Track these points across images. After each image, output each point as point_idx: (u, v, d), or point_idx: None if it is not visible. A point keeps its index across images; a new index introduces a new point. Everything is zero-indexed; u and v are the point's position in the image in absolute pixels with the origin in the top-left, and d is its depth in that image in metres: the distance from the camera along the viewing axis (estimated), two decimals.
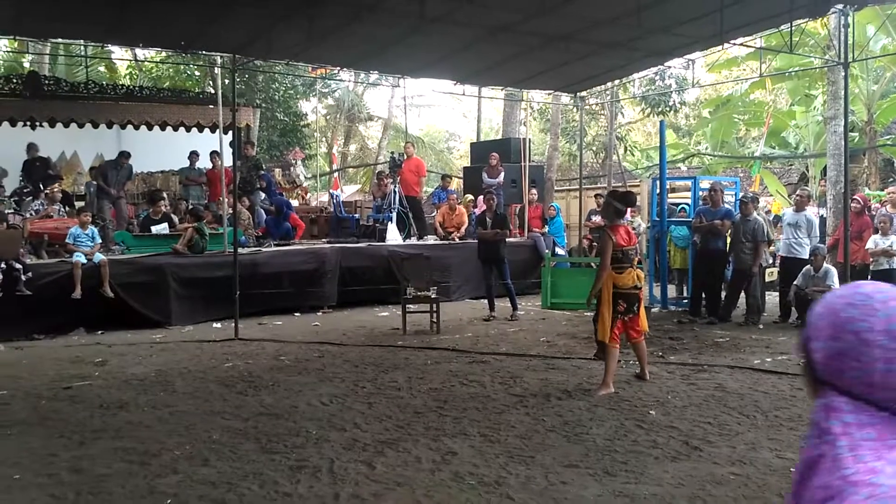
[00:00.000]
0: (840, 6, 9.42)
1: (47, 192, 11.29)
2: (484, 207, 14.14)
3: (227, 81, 12.63)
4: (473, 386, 6.61)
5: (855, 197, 11.16)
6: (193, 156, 14.74)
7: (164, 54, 13.17)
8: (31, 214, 10.97)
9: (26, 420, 5.59)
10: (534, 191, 15.22)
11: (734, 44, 10.90)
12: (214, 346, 8.68)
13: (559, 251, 14.17)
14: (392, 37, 9.82)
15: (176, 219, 11.87)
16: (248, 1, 8.32)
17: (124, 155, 13.10)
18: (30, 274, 9.32)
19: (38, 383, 6.81)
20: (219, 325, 10.15)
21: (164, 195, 12.68)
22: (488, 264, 10.98)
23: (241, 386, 6.67)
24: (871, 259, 10.51)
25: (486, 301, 11.14)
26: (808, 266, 9.82)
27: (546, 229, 14.46)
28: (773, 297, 11.46)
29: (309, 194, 19.07)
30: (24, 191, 11.80)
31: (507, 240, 11.14)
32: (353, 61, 11.62)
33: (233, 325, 9.47)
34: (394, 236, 13.27)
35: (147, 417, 5.58)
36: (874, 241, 10.49)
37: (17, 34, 10.29)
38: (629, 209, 10.41)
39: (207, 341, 8.94)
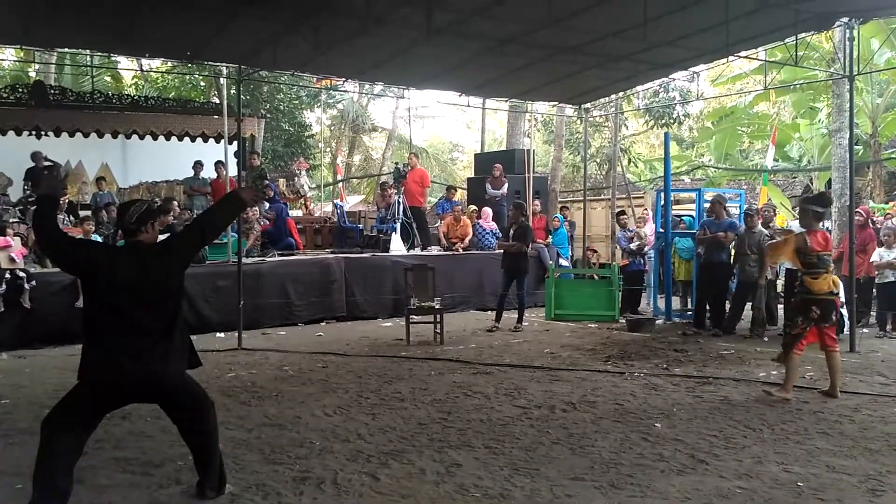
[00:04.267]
0: (845, 19, 9.43)
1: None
2: (490, 218, 14.27)
3: (232, 92, 12.65)
4: (478, 397, 6.58)
5: (858, 210, 11.16)
6: (197, 166, 14.76)
7: (169, 64, 13.22)
8: None
9: (28, 429, 5.55)
10: (537, 202, 15.23)
11: (739, 56, 10.91)
12: (218, 356, 8.67)
13: (563, 262, 14.14)
14: (398, 48, 9.84)
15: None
16: (254, 12, 8.33)
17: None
18: (34, 283, 9.33)
19: (41, 392, 6.79)
20: (222, 334, 10.12)
21: (176, 206, 12.62)
22: (510, 275, 10.98)
23: (245, 396, 6.65)
24: (877, 272, 10.49)
25: (489, 312, 11.10)
26: None
27: (549, 240, 14.45)
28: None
29: (313, 204, 19.08)
30: (30, 199, 11.80)
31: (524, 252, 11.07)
32: (359, 72, 11.63)
33: (236, 335, 9.46)
34: (398, 247, 13.26)
35: (149, 427, 5.55)
36: (879, 254, 10.47)
37: (23, 44, 10.32)
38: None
39: (211, 351, 8.89)
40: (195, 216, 4.43)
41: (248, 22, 8.65)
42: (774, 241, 7.01)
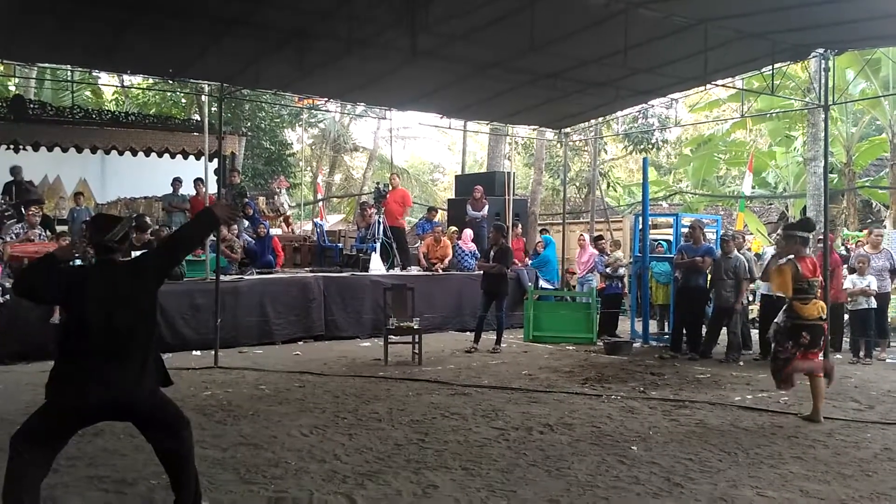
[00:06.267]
0: (821, 50, 9.62)
1: (29, 213, 11.17)
2: (470, 240, 14.30)
3: (213, 109, 12.64)
4: (455, 418, 6.58)
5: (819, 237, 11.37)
6: (176, 182, 14.72)
7: (151, 81, 13.20)
8: (11, 238, 10.85)
9: (0, 446, 5.48)
10: (520, 227, 15.33)
11: (717, 85, 11.08)
12: (193, 375, 8.59)
13: (545, 285, 14.03)
14: (381, 70, 9.90)
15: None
16: (237, 32, 8.37)
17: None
18: (8, 297, 9.22)
19: (13, 409, 6.69)
20: (198, 353, 10.04)
21: (149, 221, 12.55)
22: (489, 296, 11.01)
23: (220, 415, 6.60)
24: (850, 299, 10.64)
25: (468, 333, 11.11)
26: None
27: (528, 262, 14.48)
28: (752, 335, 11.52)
29: (292, 223, 19.03)
30: (6, 214, 11.68)
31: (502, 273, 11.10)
32: (342, 93, 11.68)
33: (213, 353, 9.39)
34: (377, 266, 13.25)
35: (123, 445, 5.49)
36: (852, 281, 10.62)
37: (4, 58, 10.26)
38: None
39: (186, 369, 8.84)
40: (170, 233, 4.29)
41: (231, 41, 8.68)
42: (772, 272, 6.94)
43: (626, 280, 12.76)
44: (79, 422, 3.82)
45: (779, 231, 11.48)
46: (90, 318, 3.68)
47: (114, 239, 3.87)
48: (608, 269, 12.46)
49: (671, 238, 12.69)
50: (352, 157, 35.84)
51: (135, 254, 11.21)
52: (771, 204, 24.17)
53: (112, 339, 3.68)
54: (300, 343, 11.37)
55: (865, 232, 13.96)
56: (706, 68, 9.05)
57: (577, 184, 25.55)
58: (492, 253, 11.11)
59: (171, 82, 11.56)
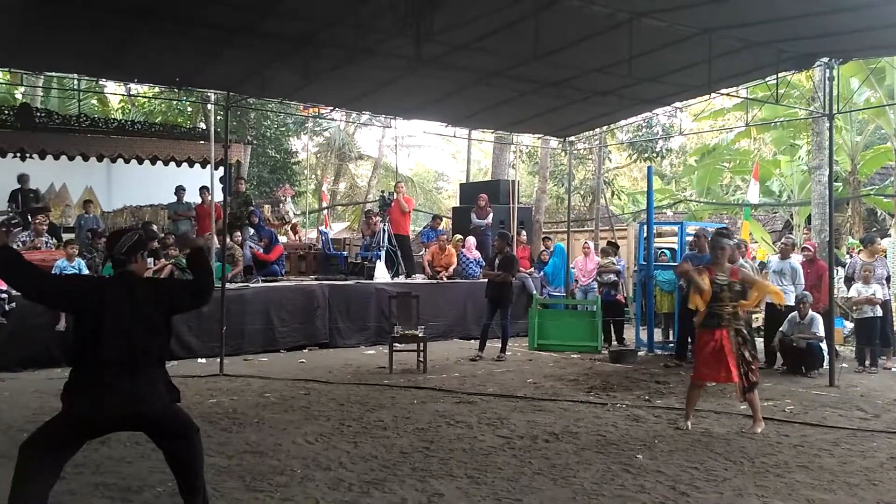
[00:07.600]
0: (825, 59, 9.63)
1: (36, 221, 11.24)
2: (474, 248, 14.31)
3: (219, 118, 12.70)
4: (460, 427, 6.58)
5: (805, 245, 11.30)
6: (180, 190, 14.78)
7: (157, 89, 13.25)
8: (18, 245, 10.91)
9: (7, 454, 5.49)
10: (522, 232, 15.33)
11: (721, 94, 11.08)
12: (199, 382, 8.61)
13: (553, 293, 13.99)
14: (386, 79, 9.93)
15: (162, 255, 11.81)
16: (243, 41, 8.41)
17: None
18: (14, 304, 9.25)
19: (19, 416, 6.72)
20: (204, 360, 10.07)
21: (155, 229, 12.59)
22: (494, 304, 11.02)
23: (226, 423, 6.61)
24: (855, 307, 10.61)
25: (472, 341, 11.10)
26: (794, 313, 9.90)
27: (533, 270, 14.46)
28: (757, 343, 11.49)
29: (299, 230, 19.08)
30: (13, 222, 11.74)
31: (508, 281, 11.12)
32: (347, 102, 11.71)
33: (218, 361, 9.41)
34: (382, 274, 13.27)
35: (129, 453, 5.51)
36: (857, 290, 10.60)
37: (12, 66, 10.33)
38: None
39: (192, 377, 8.86)
40: (191, 282, 4.17)
41: (236, 50, 8.71)
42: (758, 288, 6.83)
43: (619, 287, 12.73)
44: (93, 432, 3.82)
45: (783, 240, 11.40)
46: (106, 330, 3.68)
47: (120, 251, 3.88)
48: (599, 278, 12.51)
49: (675, 246, 12.67)
50: (357, 165, 35.93)
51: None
52: (775, 212, 24.15)
53: (127, 350, 3.68)
54: (305, 351, 11.39)
55: (857, 242, 13.91)
56: (710, 77, 9.06)
57: (582, 192, 25.55)
58: (497, 261, 11.13)
59: (177, 91, 11.59)
